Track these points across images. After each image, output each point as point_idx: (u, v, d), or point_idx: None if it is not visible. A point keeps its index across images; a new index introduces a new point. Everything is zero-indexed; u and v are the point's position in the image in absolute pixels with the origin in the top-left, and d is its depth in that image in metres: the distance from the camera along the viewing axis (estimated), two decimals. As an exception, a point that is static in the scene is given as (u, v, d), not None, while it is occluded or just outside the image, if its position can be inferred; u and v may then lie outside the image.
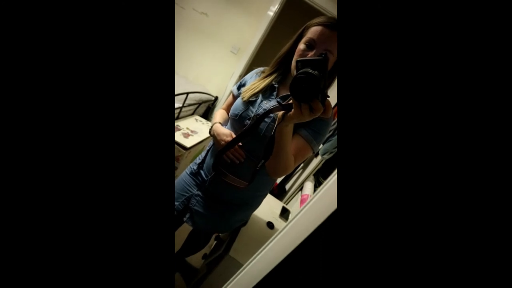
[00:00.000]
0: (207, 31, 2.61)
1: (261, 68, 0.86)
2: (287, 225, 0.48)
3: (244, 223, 1.01)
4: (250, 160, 0.75)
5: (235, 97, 0.86)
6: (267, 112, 0.62)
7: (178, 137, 1.72)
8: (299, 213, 0.46)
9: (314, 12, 2.01)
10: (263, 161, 0.65)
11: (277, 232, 0.49)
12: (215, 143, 0.81)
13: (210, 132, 0.84)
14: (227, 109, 0.90)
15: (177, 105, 1.88)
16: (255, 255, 0.53)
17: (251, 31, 2.48)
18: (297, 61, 0.50)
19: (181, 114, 1.99)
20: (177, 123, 1.91)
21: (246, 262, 0.98)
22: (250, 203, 0.90)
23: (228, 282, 0.56)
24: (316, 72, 0.47)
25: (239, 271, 0.54)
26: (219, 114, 0.90)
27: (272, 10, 2.36)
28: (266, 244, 0.50)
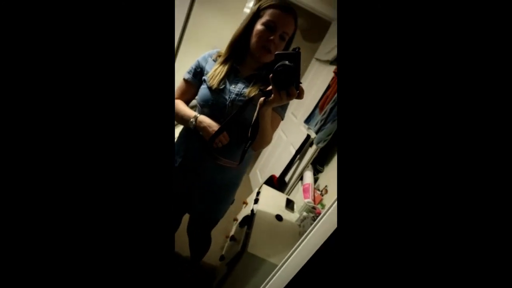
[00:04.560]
0: (185, 36, 2.57)
1: (214, 51, 0.90)
2: (318, 221, 0.53)
3: (232, 202, 1.07)
4: (238, 142, 0.81)
5: (188, 83, 0.88)
6: (250, 99, 0.73)
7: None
8: (328, 209, 0.51)
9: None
10: (250, 141, 0.74)
11: (307, 233, 0.54)
12: (205, 134, 0.80)
13: (194, 124, 0.81)
14: (182, 98, 0.90)
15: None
16: (286, 257, 0.58)
17: (229, 30, 2.45)
18: (275, 54, 0.60)
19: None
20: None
21: (265, 255, 1.05)
22: (237, 182, 0.99)
23: (264, 284, 0.61)
24: (292, 64, 0.58)
25: (272, 273, 0.60)
26: (182, 105, 0.88)
27: (248, 7, 2.35)
28: (297, 245, 0.55)
